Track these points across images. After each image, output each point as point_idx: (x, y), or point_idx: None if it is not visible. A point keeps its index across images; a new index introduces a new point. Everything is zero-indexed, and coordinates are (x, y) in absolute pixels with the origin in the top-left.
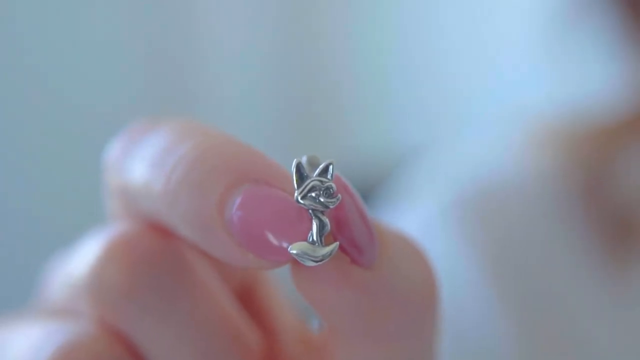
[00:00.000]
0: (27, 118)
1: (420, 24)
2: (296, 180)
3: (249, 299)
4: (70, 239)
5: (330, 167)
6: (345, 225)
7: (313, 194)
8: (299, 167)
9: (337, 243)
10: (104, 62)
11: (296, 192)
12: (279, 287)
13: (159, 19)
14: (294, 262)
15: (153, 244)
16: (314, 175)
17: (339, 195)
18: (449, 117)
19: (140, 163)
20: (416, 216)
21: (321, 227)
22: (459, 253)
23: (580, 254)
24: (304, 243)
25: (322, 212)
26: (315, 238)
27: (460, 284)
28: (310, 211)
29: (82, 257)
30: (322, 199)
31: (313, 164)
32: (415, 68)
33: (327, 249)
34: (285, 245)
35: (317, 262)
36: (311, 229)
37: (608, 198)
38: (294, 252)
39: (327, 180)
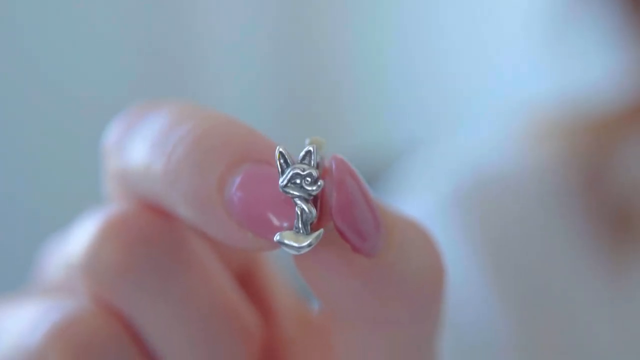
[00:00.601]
0: (26, 115)
1: (418, 20)
2: (280, 168)
3: (248, 281)
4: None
5: (311, 153)
6: (348, 210)
7: (297, 181)
8: (280, 155)
9: (321, 231)
10: (103, 61)
11: (279, 180)
12: (278, 268)
13: (158, 18)
14: None
15: (150, 223)
16: (298, 161)
17: (321, 181)
18: (448, 113)
19: (139, 144)
20: (414, 209)
21: (303, 215)
22: (457, 247)
23: (579, 247)
24: (289, 231)
25: (305, 200)
26: (299, 226)
27: (459, 278)
28: (294, 199)
29: (78, 237)
30: (303, 187)
31: (319, 147)
32: (413, 64)
33: (310, 237)
34: (284, 225)
35: (300, 251)
36: (296, 216)
37: (607, 190)
38: (277, 239)
39: (307, 166)
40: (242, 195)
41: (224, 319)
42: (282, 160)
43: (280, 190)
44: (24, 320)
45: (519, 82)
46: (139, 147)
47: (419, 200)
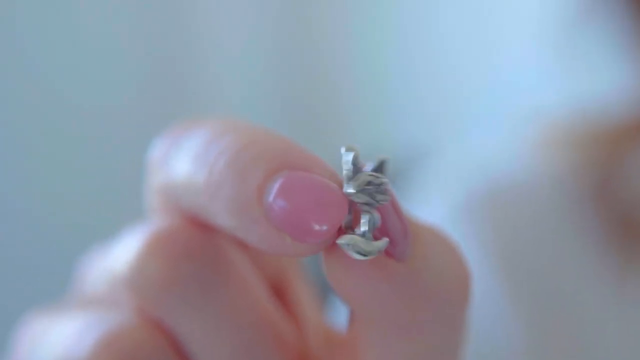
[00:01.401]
0: (25, 117)
1: (425, 24)
2: (352, 172)
3: (279, 294)
4: (68, 236)
5: (385, 163)
6: (383, 219)
7: (368, 188)
8: (355, 159)
9: (387, 240)
10: (103, 62)
11: (349, 184)
12: (308, 284)
13: (158, 19)
14: (328, 250)
15: (193, 238)
16: (369, 169)
17: (391, 193)
18: (452, 117)
19: (183, 158)
20: (427, 216)
21: (372, 221)
22: (469, 253)
23: (590, 254)
24: (354, 235)
25: (374, 207)
26: (366, 232)
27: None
28: (362, 205)
29: (122, 251)
30: (375, 195)
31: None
32: (418, 68)
33: (378, 244)
34: (324, 229)
35: (365, 256)
36: (361, 222)
37: (619, 199)
38: (344, 242)
39: (381, 176)
40: (281, 201)
41: (263, 330)
42: (356, 164)
43: (349, 194)
44: (69, 332)
45: (528, 89)
46: (182, 161)
47: (432, 206)
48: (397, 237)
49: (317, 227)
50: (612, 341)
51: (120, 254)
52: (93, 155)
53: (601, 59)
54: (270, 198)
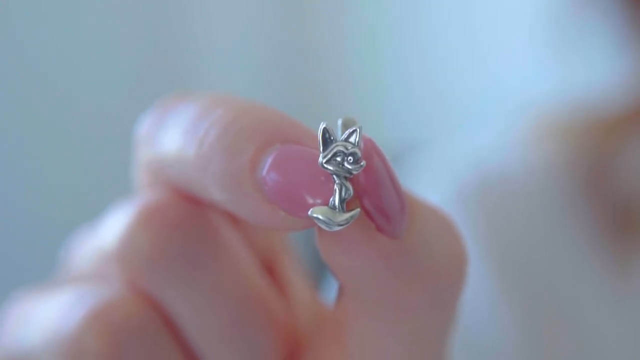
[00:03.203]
0: (23, 115)
1: (419, 19)
2: (322, 144)
3: (269, 270)
4: (66, 234)
5: (356, 132)
6: (375, 190)
7: (338, 159)
8: (324, 131)
9: (358, 209)
10: (100, 62)
11: (320, 156)
12: (298, 261)
13: (154, 18)
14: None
15: (183, 211)
16: (340, 139)
17: (363, 161)
18: (448, 113)
19: (172, 132)
20: None
21: (342, 192)
22: None
23: (583, 245)
24: (325, 207)
25: (345, 178)
26: (336, 203)
27: None
28: (333, 176)
29: (112, 225)
30: (345, 165)
31: (348, 127)
32: (413, 64)
33: (347, 215)
34: (317, 202)
35: (334, 227)
36: (333, 194)
37: (611, 190)
38: (314, 215)
39: (352, 145)
40: (274, 175)
41: (253, 305)
42: (326, 137)
43: (320, 166)
44: (59, 306)
45: (521, 81)
46: (171, 135)
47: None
48: (393, 212)
49: (310, 201)
50: (608, 334)
51: (109, 229)
52: (89, 152)
53: (594, 50)
54: (264, 172)
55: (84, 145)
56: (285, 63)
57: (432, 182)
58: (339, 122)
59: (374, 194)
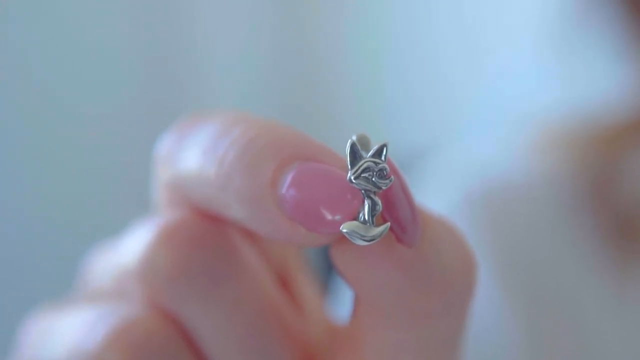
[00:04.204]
0: (22, 119)
1: (422, 26)
2: (350, 160)
3: (283, 285)
4: (67, 237)
5: (385, 148)
6: (393, 205)
7: (366, 175)
8: (353, 147)
9: (388, 224)
10: (100, 64)
11: (350, 171)
12: (311, 275)
13: (155, 20)
14: (338, 239)
15: (203, 230)
16: (368, 155)
17: (392, 177)
18: (449, 118)
19: (192, 152)
20: None
21: (373, 207)
22: None
23: (586, 254)
24: (355, 222)
25: (374, 193)
26: (366, 218)
27: None
28: (362, 191)
29: (132, 243)
30: (375, 180)
31: (362, 144)
32: (415, 70)
33: (379, 229)
34: (337, 218)
35: (367, 241)
36: (363, 208)
37: (614, 199)
38: (345, 230)
39: (381, 161)
40: (294, 192)
41: (271, 321)
42: (353, 152)
43: (349, 182)
44: (81, 323)
45: (524, 90)
46: (191, 154)
47: (428, 207)
48: (407, 222)
49: (330, 217)
50: (611, 339)
51: (130, 247)
52: (91, 156)
53: (597, 61)
54: (284, 189)
55: (82, 146)
56: (286, 66)
57: (438, 190)
58: (353, 137)
59: (393, 207)
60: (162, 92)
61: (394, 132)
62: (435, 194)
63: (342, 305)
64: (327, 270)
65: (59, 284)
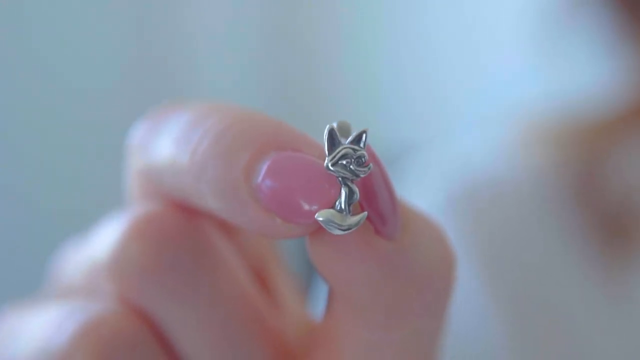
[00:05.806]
0: (19, 116)
1: (410, 23)
2: (327, 147)
3: (260, 281)
4: (66, 231)
5: (364, 135)
6: (373, 194)
7: (344, 162)
8: (331, 132)
9: (365, 213)
10: (98, 64)
11: (327, 158)
12: (288, 270)
13: (146, 15)
14: (315, 230)
15: (176, 223)
16: (346, 142)
17: (370, 164)
18: (438, 115)
19: (165, 141)
20: None
21: (350, 195)
22: None
23: (573, 251)
24: (331, 210)
25: (351, 181)
26: (343, 206)
27: None
28: (339, 179)
29: (103, 238)
30: (353, 168)
31: (343, 131)
32: (405, 66)
33: (355, 218)
34: (314, 208)
35: (344, 230)
36: (339, 196)
37: (600, 195)
38: (321, 219)
39: (359, 148)
40: (270, 182)
41: (246, 317)
42: (331, 138)
43: (326, 168)
44: (48, 322)
45: (510, 86)
46: (164, 144)
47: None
48: (387, 213)
49: (307, 207)
50: (598, 340)
51: (101, 241)
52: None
53: (583, 56)
54: (259, 179)
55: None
56: (279, 63)
57: (421, 186)
58: (334, 124)
59: (372, 197)
60: (154, 88)
61: (387, 127)
62: (419, 190)
63: (321, 302)
64: (307, 266)
65: (29, 281)
